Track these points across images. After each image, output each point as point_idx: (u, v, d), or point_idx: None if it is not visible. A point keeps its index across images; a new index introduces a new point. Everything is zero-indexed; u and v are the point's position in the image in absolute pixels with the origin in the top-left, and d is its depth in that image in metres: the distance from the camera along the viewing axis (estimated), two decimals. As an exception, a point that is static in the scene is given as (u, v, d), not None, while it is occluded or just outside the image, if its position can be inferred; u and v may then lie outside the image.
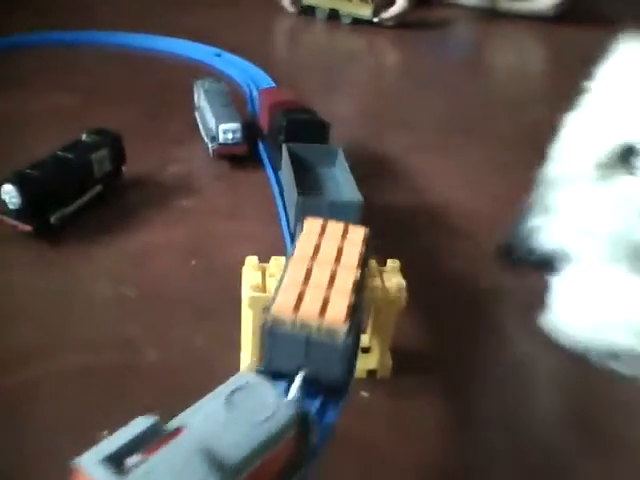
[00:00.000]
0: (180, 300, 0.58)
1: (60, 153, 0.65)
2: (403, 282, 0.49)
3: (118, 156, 0.70)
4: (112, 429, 0.45)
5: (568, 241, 0.54)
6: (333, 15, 1.38)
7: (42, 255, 0.62)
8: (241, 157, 0.79)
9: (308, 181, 0.58)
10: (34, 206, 0.61)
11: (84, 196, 0.66)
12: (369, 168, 0.78)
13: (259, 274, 0.48)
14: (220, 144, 0.77)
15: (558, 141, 0.54)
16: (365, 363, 0.51)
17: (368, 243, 0.46)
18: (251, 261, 0.50)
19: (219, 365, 0.52)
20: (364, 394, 0.50)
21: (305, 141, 0.64)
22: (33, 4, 1.28)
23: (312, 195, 0.52)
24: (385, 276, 0.50)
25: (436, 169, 0.84)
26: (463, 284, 0.62)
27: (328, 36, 1.36)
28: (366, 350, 0.52)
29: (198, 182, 0.76)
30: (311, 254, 0.42)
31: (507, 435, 0.48)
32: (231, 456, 0.28)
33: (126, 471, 0.27)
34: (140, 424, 0.29)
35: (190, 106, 0.89)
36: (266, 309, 0.37)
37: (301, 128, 0.68)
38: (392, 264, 0.51)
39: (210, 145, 0.78)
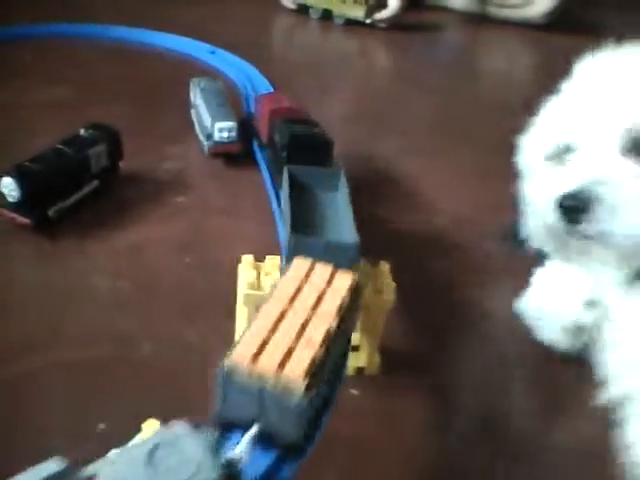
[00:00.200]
0: (174, 295, 0.60)
1: (59, 147, 0.66)
2: (392, 283, 0.51)
3: (115, 151, 0.71)
4: (108, 423, 0.47)
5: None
6: (326, 15, 1.39)
7: (39, 248, 0.63)
8: (236, 155, 0.80)
9: (305, 211, 0.54)
10: (33, 199, 0.62)
11: (81, 190, 0.67)
12: (359, 170, 0.80)
13: (255, 272, 0.50)
14: (215, 142, 0.78)
15: (525, 136, 0.56)
16: (354, 361, 0.53)
17: (355, 292, 0.42)
18: (247, 259, 0.51)
19: (213, 359, 0.53)
20: (353, 392, 0.51)
21: (308, 157, 0.61)
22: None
23: (305, 234, 0.49)
24: (375, 277, 0.52)
25: (426, 172, 0.85)
26: (451, 285, 0.64)
27: (321, 36, 1.38)
28: (355, 348, 0.54)
29: (193, 179, 0.77)
30: (289, 298, 0.40)
31: (490, 432, 0.50)
32: None
33: None
34: (48, 468, 0.28)
35: (184, 102, 0.90)
36: (227, 354, 0.35)
37: (304, 145, 0.65)
38: (382, 266, 0.53)
39: (205, 143, 0.80)
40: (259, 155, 0.80)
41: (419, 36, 1.43)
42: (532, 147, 0.54)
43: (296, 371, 0.34)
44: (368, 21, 1.37)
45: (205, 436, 0.30)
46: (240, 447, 0.32)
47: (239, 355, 0.34)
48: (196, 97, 0.86)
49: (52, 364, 0.52)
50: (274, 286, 0.41)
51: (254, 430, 0.33)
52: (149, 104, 0.93)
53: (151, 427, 0.36)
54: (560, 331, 0.55)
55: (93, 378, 0.51)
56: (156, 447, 0.29)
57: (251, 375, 0.33)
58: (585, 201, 0.47)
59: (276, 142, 0.69)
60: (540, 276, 0.58)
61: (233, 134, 0.78)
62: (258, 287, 0.49)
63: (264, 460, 0.33)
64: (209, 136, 0.79)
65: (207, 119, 0.80)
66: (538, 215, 0.51)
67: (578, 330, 0.54)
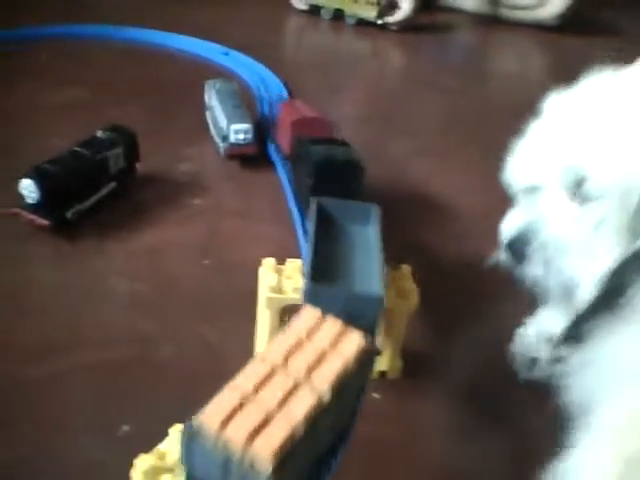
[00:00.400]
0: (193, 297, 0.60)
1: (77, 149, 0.66)
2: (415, 286, 0.51)
3: (132, 153, 0.71)
4: (131, 424, 0.47)
5: None
6: (338, 15, 1.39)
7: (58, 249, 0.63)
8: (251, 157, 0.80)
9: (330, 250, 0.48)
10: (52, 201, 0.62)
11: (99, 192, 0.67)
12: (371, 172, 0.79)
13: (276, 275, 0.50)
14: (231, 144, 0.78)
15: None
16: (376, 364, 0.53)
17: (367, 357, 0.37)
18: (268, 262, 0.51)
19: (232, 361, 0.53)
20: (375, 396, 0.51)
21: (336, 186, 0.56)
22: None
23: (324, 281, 0.43)
24: (397, 280, 0.51)
25: (437, 173, 0.85)
26: (472, 287, 0.64)
27: (333, 37, 1.38)
28: (377, 352, 0.54)
29: (209, 181, 0.77)
30: (284, 354, 0.35)
31: (513, 436, 0.49)
32: None
33: None
34: None
35: (198, 104, 0.90)
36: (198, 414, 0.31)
37: (332, 174, 0.60)
38: (404, 269, 0.53)
39: (221, 145, 0.80)
40: (275, 156, 0.79)
41: (431, 37, 1.42)
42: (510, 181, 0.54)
43: (266, 448, 0.29)
44: (380, 22, 1.36)
45: None
46: None
47: (208, 416, 0.31)
48: (211, 99, 0.86)
49: (74, 366, 0.52)
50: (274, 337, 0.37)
51: None
52: (163, 105, 0.93)
53: (178, 431, 0.36)
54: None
55: (114, 380, 0.51)
56: None
57: (217, 442, 0.30)
58: (523, 245, 0.47)
59: (301, 164, 0.65)
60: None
61: (249, 136, 0.78)
62: (280, 290, 0.49)
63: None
64: (225, 138, 0.79)
65: (223, 121, 0.80)
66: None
67: (532, 362, 0.54)
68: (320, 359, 0.35)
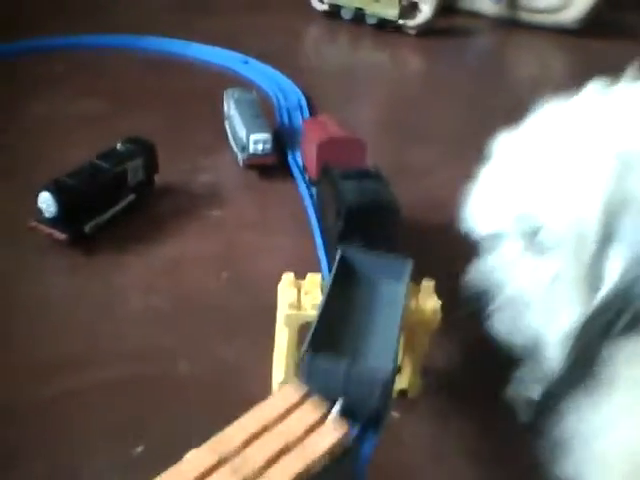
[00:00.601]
0: (212, 312, 0.59)
1: (96, 162, 0.66)
2: (438, 302, 0.50)
3: (151, 165, 0.71)
4: (146, 445, 0.46)
5: None
6: (359, 15, 1.37)
7: (76, 264, 0.63)
8: (270, 167, 0.79)
9: (345, 310, 0.43)
10: (70, 215, 0.62)
11: (118, 205, 0.67)
12: (391, 180, 0.78)
13: (295, 291, 0.49)
14: (250, 154, 0.77)
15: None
16: (396, 383, 0.52)
17: (342, 454, 0.32)
18: (287, 278, 0.50)
19: (251, 379, 0.52)
20: (395, 414, 0.50)
21: (368, 228, 0.51)
22: (61, 8, 1.29)
23: (324, 354, 0.37)
24: (420, 296, 0.50)
25: (461, 183, 0.83)
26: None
27: (352, 44, 1.36)
28: (398, 370, 0.53)
29: (228, 192, 0.76)
30: (238, 445, 0.30)
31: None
32: None
33: None
34: None
35: (218, 114, 0.89)
36: None
37: (365, 215, 0.53)
38: (426, 284, 0.52)
39: (240, 155, 0.79)
40: (294, 167, 0.79)
41: (450, 42, 1.41)
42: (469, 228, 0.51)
43: None
44: (401, 22, 1.34)
45: None
46: None
47: None
48: (230, 108, 0.85)
49: (89, 384, 0.51)
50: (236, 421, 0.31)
51: None
52: (182, 115, 0.93)
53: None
54: None
55: (130, 398, 0.51)
56: None
57: None
58: (488, 301, 0.46)
59: (328, 200, 0.58)
60: None
61: (268, 146, 0.77)
62: (299, 307, 0.48)
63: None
64: (244, 148, 0.78)
65: (242, 130, 0.79)
66: None
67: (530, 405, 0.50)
68: (282, 452, 0.30)
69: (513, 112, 0.47)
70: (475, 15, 1.54)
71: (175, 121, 0.91)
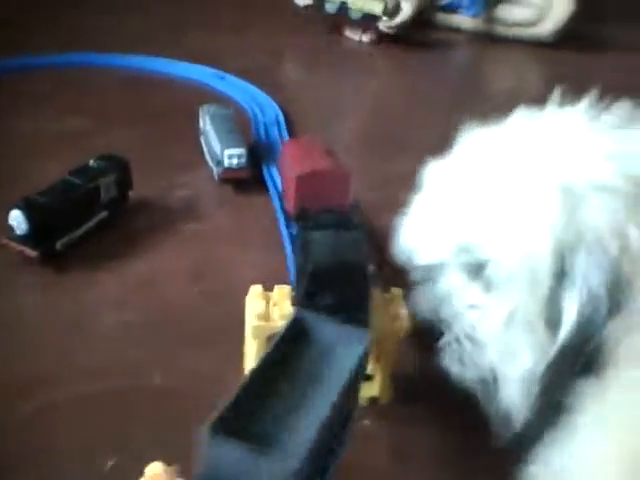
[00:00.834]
0: (185, 325, 0.59)
1: (68, 178, 0.66)
2: (406, 310, 0.50)
3: (125, 181, 0.71)
4: (118, 459, 0.46)
5: None
6: (343, 10, 1.36)
7: (48, 281, 0.63)
8: (245, 181, 0.79)
9: (280, 381, 0.37)
10: (41, 232, 0.62)
11: (90, 222, 0.67)
12: (367, 191, 0.78)
13: (263, 303, 0.49)
14: (225, 168, 0.78)
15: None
16: (367, 390, 0.52)
17: None
18: (255, 290, 0.50)
19: (224, 390, 0.52)
20: (366, 422, 0.50)
21: (335, 288, 0.46)
22: (45, 26, 1.29)
23: (224, 436, 0.31)
24: (389, 304, 0.51)
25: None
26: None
27: (331, 57, 1.38)
28: (368, 377, 0.53)
29: (204, 207, 0.77)
30: None
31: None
32: None
33: None
34: None
35: (195, 130, 0.90)
36: None
37: (332, 275, 0.47)
38: (396, 292, 0.52)
39: (215, 169, 0.79)
40: (270, 182, 0.79)
41: (428, 56, 1.42)
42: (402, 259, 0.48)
43: None
44: (385, 19, 1.35)
45: None
46: None
47: None
48: (205, 124, 0.86)
49: (62, 399, 0.51)
50: None
51: None
52: (160, 132, 0.93)
53: (153, 470, 0.35)
54: None
55: (104, 412, 0.51)
56: None
57: None
58: (434, 339, 0.44)
59: (302, 248, 0.51)
60: None
61: (243, 160, 0.78)
62: (267, 318, 0.48)
63: None
64: (219, 162, 0.79)
65: (216, 145, 0.80)
66: None
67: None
68: None
69: (490, 123, 0.47)
70: (453, 30, 1.56)
71: (153, 138, 0.92)
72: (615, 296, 0.37)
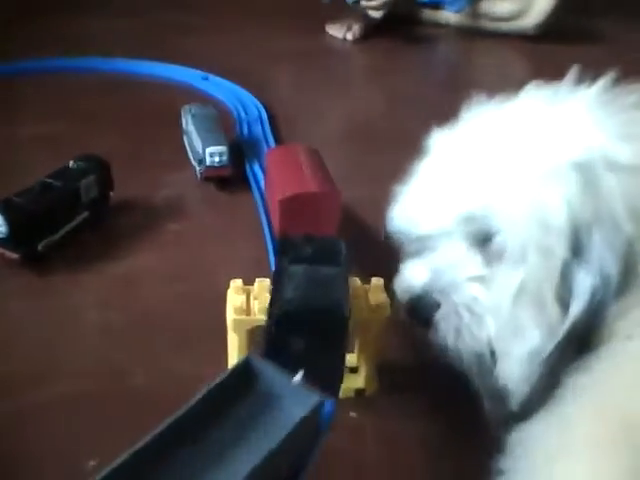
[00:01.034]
0: (168, 325, 0.58)
1: (47, 180, 0.65)
2: (387, 299, 0.50)
3: (105, 182, 0.70)
4: (100, 458, 0.45)
5: None
6: None
7: (29, 283, 0.62)
8: (228, 178, 0.79)
9: (205, 428, 0.34)
10: (21, 234, 0.61)
11: (71, 223, 0.66)
12: (352, 188, 0.78)
13: (244, 297, 0.49)
14: (207, 167, 0.77)
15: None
16: (353, 382, 0.51)
17: None
18: (235, 284, 0.50)
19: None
20: (353, 414, 0.50)
21: (305, 334, 0.42)
22: (32, 31, 1.29)
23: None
24: (369, 294, 0.50)
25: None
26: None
27: (314, 58, 1.37)
28: (354, 370, 0.52)
29: (186, 206, 0.76)
30: None
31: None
32: None
33: None
34: None
35: (178, 129, 0.89)
36: None
37: (302, 320, 0.42)
38: (376, 281, 0.51)
39: (198, 168, 0.79)
40: (252, 179, 0.79)
41: (413, 52, 1.42)
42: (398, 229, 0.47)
43: None
44: None
45: None
46: None
47: None
48: (187, 123, 0.85)
49: (43, 400, 0.51)
50: None
51: None
52: (143, 133, 0.93)
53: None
54: None
55: (85, 412, 0.50)
56: None
57: None
58: (429, 309, 0.42)
59: (278, 282, 0.46)
60: None
61: (224, 158, 0.77)
62: (247, 312, 0.47)
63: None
64: (201, 161, 0.78)
65: (198, 144, 0.79)
66: None
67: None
68: None
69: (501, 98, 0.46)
70: (438, 25, 1.56)
71: (137, 139, 0.91)
72: (626, 276, 0.36)
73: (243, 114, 0.97)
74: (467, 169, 0.42)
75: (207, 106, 0.89)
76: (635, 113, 0.40)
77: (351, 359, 0.52)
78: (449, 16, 1.55)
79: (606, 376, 0.34)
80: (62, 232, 0.65)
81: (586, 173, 0.38)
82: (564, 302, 0.37)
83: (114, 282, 0.63)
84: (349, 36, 1.40)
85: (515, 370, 0.38)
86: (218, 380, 0.35)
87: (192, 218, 0.74)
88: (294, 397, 0.35)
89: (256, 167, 0.81)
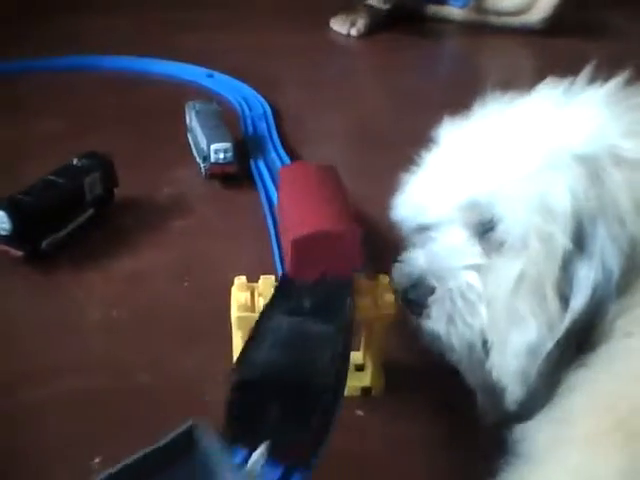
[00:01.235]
0: (173, 322, 0.58)
1: (51, 178, 0.65)
2: (393, 297, 0.49)
3: (109, 179, 0.70)
4: (104, 456, 0.45)
5: None
6: None
7: (34, 281, 0.62)
8: (233, 176, 0.79)
9: None
10: (25, 232, 0.61)
11: (75, 220, 0.66)
12: (356, 188, 0.77)
13: (248, 294, 0.48)
14: (212, 164, 0.77)
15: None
16: (359, 381, 0.51)
17: None
18: (240, 281, 0.49)
19: (212, 385, 0.51)
20: (359, 413, 0.49)
21: (272, 408, 0.36)
22: (36, 29, 1.29)
23: None
24: (376, 292, 0.50)
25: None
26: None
27: (318, 55, 1.37)
28: (360, 368, 0.52)
29: (191, 203, 0.76)
30: None
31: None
32: None
33: None
34: None
35: (182, 127, 0.89)
36: None
37: (268, 391, 0.37)
38: (383, 280, 0.51)
39: (202, 165, 0.79)
40: (257, 176, 0.78)
41: (418, 47, 1.41)
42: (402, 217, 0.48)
43: None
44: None
45: None
46: None
47: None
48: (192, 120, 0.85)
49: (49, 397, 0.50)
50: None
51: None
52: (147, 131, 0.93)
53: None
54: None
55: (90, 409, 0.50)
56: None
57: None
58: (422, 295, 0.42)
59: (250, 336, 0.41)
60: None
61: (229, 154, 0.77)
62: (252, 309, 0.47)
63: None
64: (205, 158, 0.78)
65: (203, 141, 0.79)
66: None
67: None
68: None
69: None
70: (443, 20, 1.55)
71: (141, 136, 0.91)
72: (628, 274, 0.36)
73: (248, 111, 0.96)
74: (473, 158, 0.42)
75: (211, 102, 0.88)
76: None
77: (357, 357, 0.52)
78: (454, 11, 1.54)
79: (605, 372, 0.34)
80: (66, 230, 0.65)
81: (591, 166, 0.38)
82: (564, 297, 0.37)
83: (119, 279, 0.63)
84: (353, 32, 1.39)
85: (511, 363, 0.38)
86: (156, 445, 0.33)
87: (197, 215, 0.74)
88: (228, 476, 0.32)
89: (261, 164, 0.81)
